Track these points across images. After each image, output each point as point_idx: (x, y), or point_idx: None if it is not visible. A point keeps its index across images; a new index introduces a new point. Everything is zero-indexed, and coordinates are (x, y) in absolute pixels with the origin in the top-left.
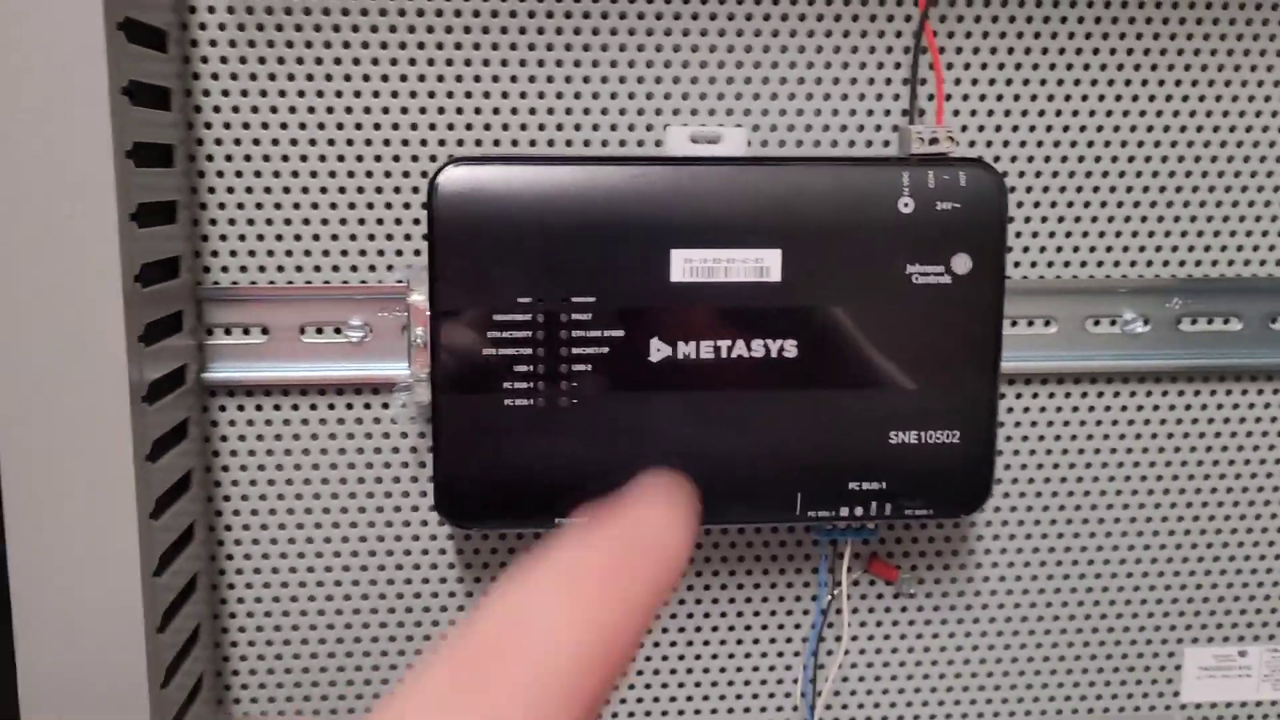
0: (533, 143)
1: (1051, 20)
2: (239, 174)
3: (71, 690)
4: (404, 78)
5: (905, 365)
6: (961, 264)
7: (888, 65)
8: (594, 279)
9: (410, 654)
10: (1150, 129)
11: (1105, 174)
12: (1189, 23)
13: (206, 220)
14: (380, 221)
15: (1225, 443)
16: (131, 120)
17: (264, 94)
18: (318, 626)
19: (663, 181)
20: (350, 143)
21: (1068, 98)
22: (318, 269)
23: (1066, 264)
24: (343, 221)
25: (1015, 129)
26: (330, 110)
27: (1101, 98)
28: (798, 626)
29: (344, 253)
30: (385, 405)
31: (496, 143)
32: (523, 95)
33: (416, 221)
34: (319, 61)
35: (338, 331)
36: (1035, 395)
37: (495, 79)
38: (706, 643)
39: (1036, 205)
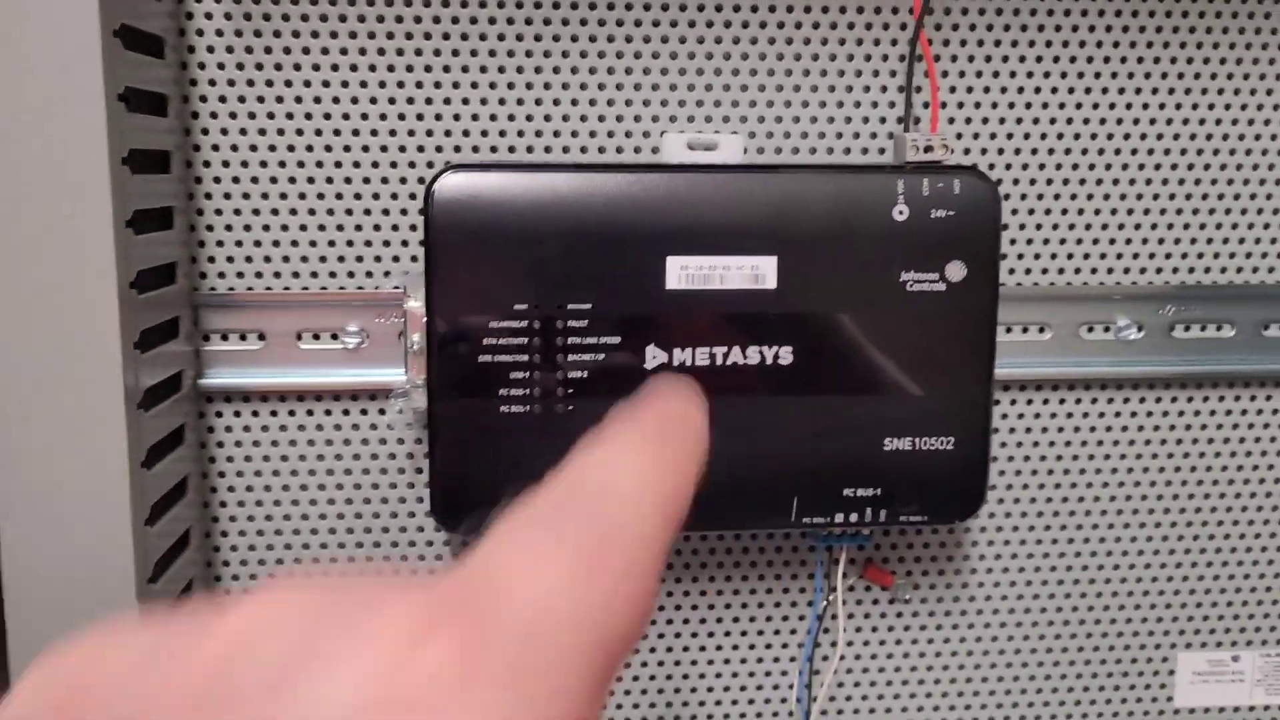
0: (530, 149)
1: (1046, 29)
2: (236, 180)
3: None
4: (401, 84)
5: (900, 372)
6: (956, 271)
7: (883, 73)
8: (590, 286)
9: None
10: (1144, 137)
11: (1099, 181)
12: (1182, 31)
13: (203, 226)
14: (377, 228)
15: (1219, 449)
16: (128, 127)
17: (261, 100)
18: None
19: (659, 188)
20: (348, 149)
21: (1062, 105)
22: (314, 275)
23: (1061, 271)
24: (340, 227)
25: (1010, 136)
26: (328, 116)
27: (1095, 106)
28: (793, 632)
29: (341, 258)
30: (382, 411)
31: (494, 149)
32: (520, 102)
33: (414, 228)
34: (316, 68)
35: (334, 337)
36: (1030, 402)
37: (493, 85)
38: (703, 648)
39: (1031, 212)
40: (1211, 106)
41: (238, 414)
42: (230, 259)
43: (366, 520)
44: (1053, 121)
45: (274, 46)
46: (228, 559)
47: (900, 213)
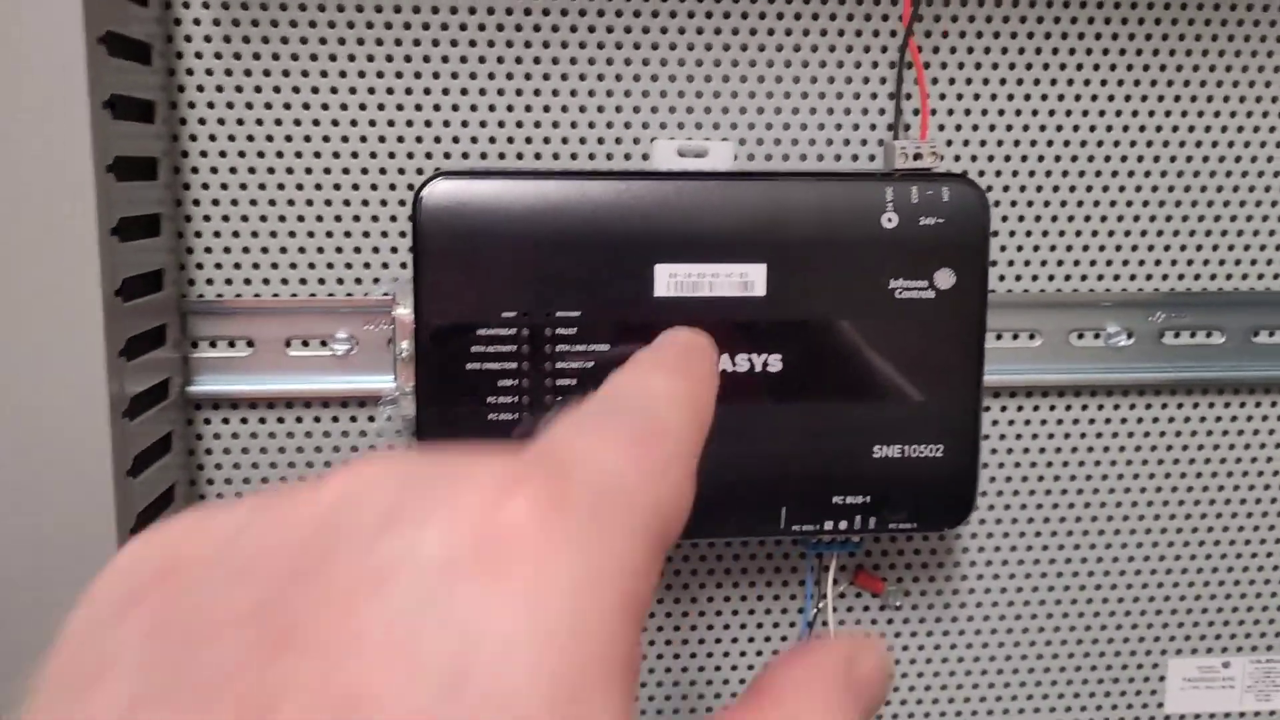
0: (520, 156)
1: (1036, 36)
2: (224, 186)
3: None
4: (390, 90)
5: (889, 379)
6: (945, 279)
7: (873, 80)
8: (579, 293)
9: None
10: (1134, 144)
11: (1089, 188)
12: (1171, 39)
13: (191, 233)
14: (367, 234)
15: (1209, 455)
16: (113, 134)
17: (249, 106)
18: None
19: (648, 196)
20: (337, 155)
21: (1052, 113)
22: (303, 282)
23: (1050, 277)
24: (329, 234)
25: (1000, 143)
26: (316, 123)
27: (1085, 113)
28: (784, 639)
29: (330, 265)
30: (371, 418)
31: (484, 156)
32: (509, 108)
33: (403, 234)
34: (305, 74)
35: (323, 344)
36: (1020, 408)
37: (482, 92)
38: (693, 655)
39: (1021, 219)
40: (1201, 114)
41: (226, 421)
42: (219, 266)
43: None
44: (1043, 129)
45: (262, 53)
46: None
47: (889, 220)
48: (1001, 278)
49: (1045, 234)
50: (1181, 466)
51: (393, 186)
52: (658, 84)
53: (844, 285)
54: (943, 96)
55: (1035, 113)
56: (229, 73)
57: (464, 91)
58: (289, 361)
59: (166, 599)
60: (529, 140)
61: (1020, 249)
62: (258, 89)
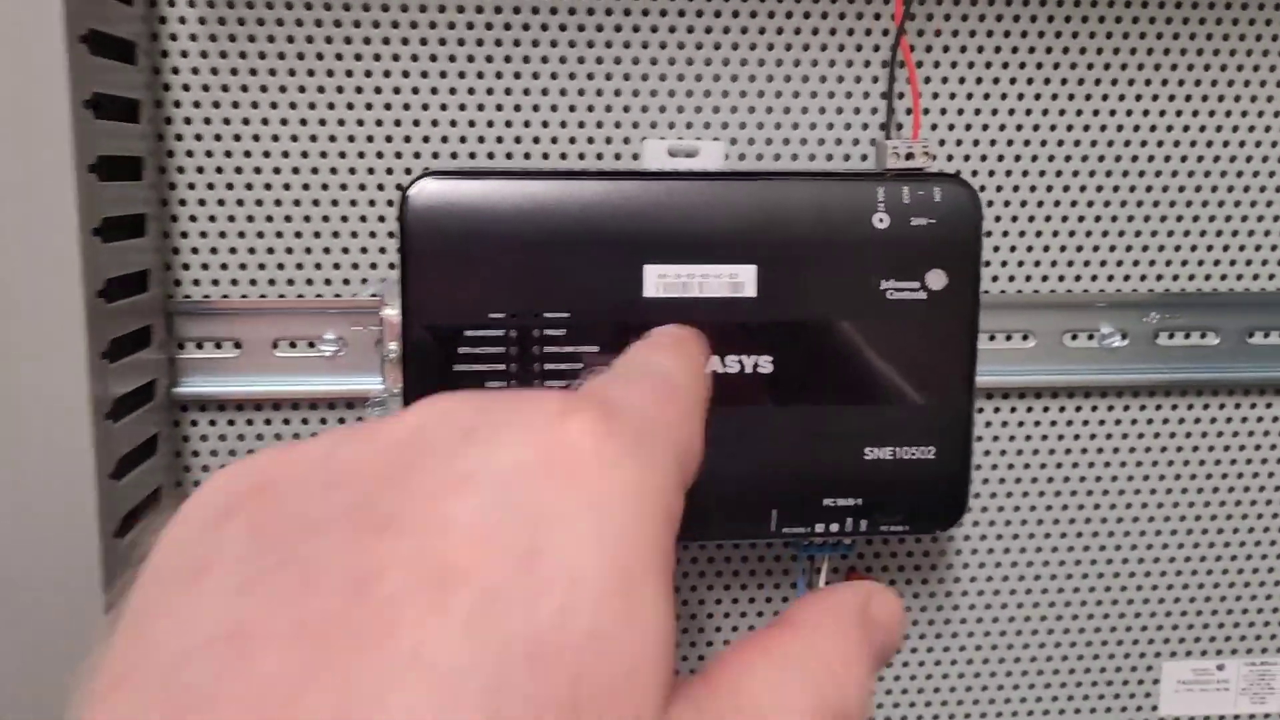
0: (508, 155)
1: (1029, 35)
2: (211, 186)
3: (31, 715)
4: (379, 89)
5: (880, 381)
6: (937, 279)
7: (865, 79)
8: (567, 294)
9: None
10: (1127, 144)
11: (1083, 188)
12: (1165, 37)
13: (178, 233)
14: (355, 235)
15: (1203, 457)
16: (96, 133)
17: (236, 105)
18: None
19: (637, 196)
20: (324, 155)
21: (1045, 112)
22: (291, 282)
23: (1044, 278)
24: (316, 234)
25: (993, 143)
26: (304, 122)
27: (1079, 112)
28: None
29: (318, 266)
30: (359, 420)
31: (472, 155)
32: (498, 108)
33: (391, 235)
34: (292, 73)
35: (311, 346)
36: (1013, 409)
37: (470, 91)
38: (684, 658)
39: (1014, 219)
40: (1196, 113)
41: (213, 423)
42: (205, 266)
43: None
44: (1036, 128)
45: (249, 51)
46: None
47: (881, 221)
48: (995, 278)
49: (1039, 234)
50: (1176, 468)
51: (381, 186)
52: (648, 83)
53: (835, 286)
54: (935, 96)
55: (1029, 112)
56: (215, 71)
57: (452, 90)
58: (276, 363)
59: (264, 507)
60: (518, 140)
61: (1013, 249)
62: (244, 88)
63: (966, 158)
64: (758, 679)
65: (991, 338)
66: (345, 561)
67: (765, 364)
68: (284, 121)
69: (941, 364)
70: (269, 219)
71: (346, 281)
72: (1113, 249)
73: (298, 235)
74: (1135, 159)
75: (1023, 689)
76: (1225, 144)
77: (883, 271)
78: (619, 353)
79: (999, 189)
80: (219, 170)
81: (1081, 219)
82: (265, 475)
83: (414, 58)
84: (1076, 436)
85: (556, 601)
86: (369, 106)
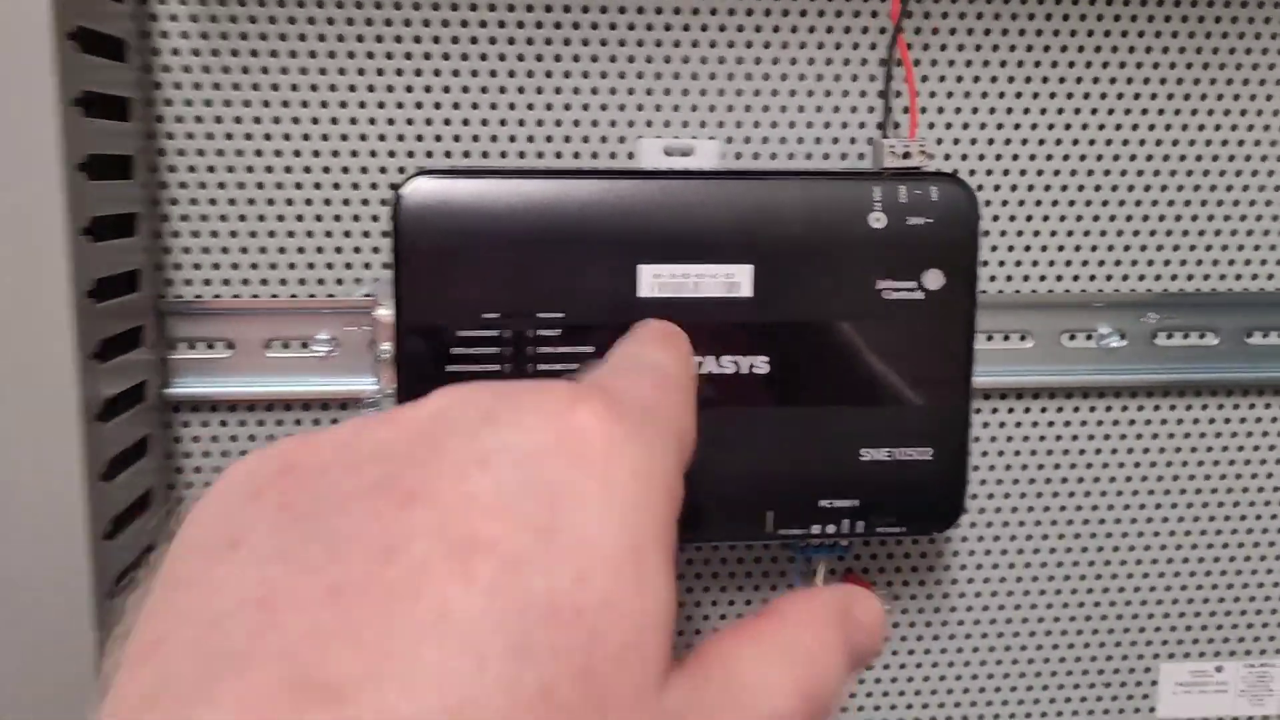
0: (503, 154)
1: (1027, 33)
2: (202, 185)
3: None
4: (372, 88)
5: (878, 381)
6: (934, 279)
7: (862, 78)
8: (561, 295)
9: None
10: (1126, 143)
11: (1081, 188)
12: (1164, 36)
13: (169, 233)
14: (348, 234)
15: (1201, 458)
16: (85, 131)
17: (228, 104)
18: None
19: (632, 195)
20: (317, 153)
21: (1043, 111)
22: (284, 282)
23: (1042, 278)
24: (309, 234)
25: (990, 142)
26: (296, 120)
27: (1077, 111)
28: None
29: (310, 266)
30: None
31: (466, 154)
32: (493, 106)
33: (385, 234)
34: (284, 71)
35: (304, 346)
36: (1011, 410)
37: (465, 89)
38: (680, 660)
39: (1012, 219)
40: (1194, 113)
41: (205, 424)
42: (197, 266)
43: None
44: (1034, 127)
45: (241, 49)
46: None
47: (877, 220)
48: (992, 278)
49: (1036, 234)
50: (1174, 469)
51: (374, 186)
52: (643, 81)
53: (831, 286)
54: (932, 95)
55: (1026, 111)
56: (206, 69)
57: (446, 89)
58: (269, 363)
59: (292, 487)
60: (512, 139)
61: (1011, 249)
62: (236, 86)
63: (964, 157)
64: (745, 659)
65: (989, 338)
66: (373, 532)
67: (761, 364)
68: (276, 120)
69: (939, 364)
70: (261, 218)
71: (339, 282)
72: (1110, 249)
73: (290, 234)
74: (1133, 159)
75: (1020, 691)
76: (1224, 144)
77: (879, 271)
78: None
79: (996, 188)
80: (210, 169)
81: (1079, 219)
82: (291, 458)
83: (407, 55)
84: (1075, 437)
85: (574, 568)
86: (361, 105)
